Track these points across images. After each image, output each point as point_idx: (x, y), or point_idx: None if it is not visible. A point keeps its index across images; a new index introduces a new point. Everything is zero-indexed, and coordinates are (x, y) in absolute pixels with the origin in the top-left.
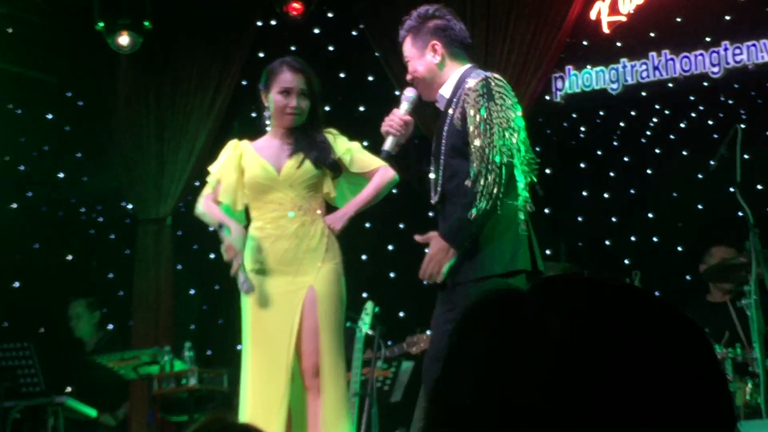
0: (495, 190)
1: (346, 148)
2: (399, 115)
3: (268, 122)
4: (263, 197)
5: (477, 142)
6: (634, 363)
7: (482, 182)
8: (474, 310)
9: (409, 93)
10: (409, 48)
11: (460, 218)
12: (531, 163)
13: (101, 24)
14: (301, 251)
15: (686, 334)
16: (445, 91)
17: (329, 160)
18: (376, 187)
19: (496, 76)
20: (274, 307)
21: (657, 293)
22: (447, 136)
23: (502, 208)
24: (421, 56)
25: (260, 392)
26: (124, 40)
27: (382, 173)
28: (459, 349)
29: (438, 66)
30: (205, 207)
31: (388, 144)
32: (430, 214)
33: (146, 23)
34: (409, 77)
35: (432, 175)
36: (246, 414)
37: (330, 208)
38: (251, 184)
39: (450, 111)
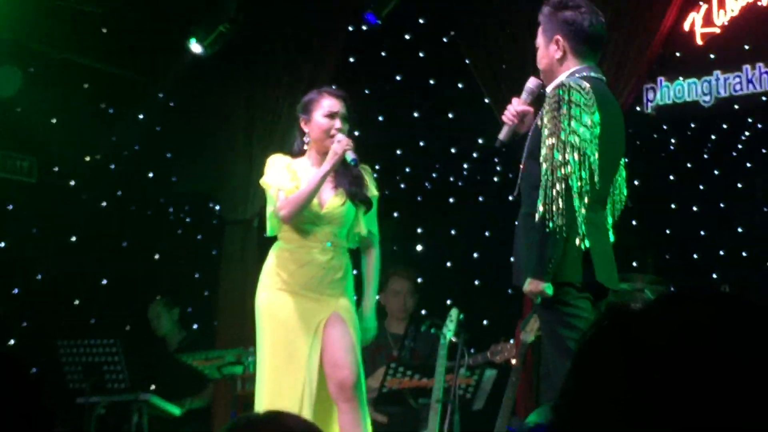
0: (559, 212)
1: (372, 194)
2: (515, 105)
3: (306, 147)
4: (300, 225)
5: (543, 153)
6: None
7: (548, 202)
8: (596, 335)
9: (531, 83)
10: (539, 36)
11: (533, 247)
12: (605, 175)
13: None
14: (325, 282)
15: None
16: (551, 88)
17: (366, 198)
18: (375, 277)
19: (576, 83)
20: (296, 324)
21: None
22: (530, 137)
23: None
24: (545, 47)
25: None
26: (195, 47)
27: (374, 255)
28: (587, 368)
29: (558, 61)
30: (288, 200)
31: (502, 133)
32: (516, 222)
33: (222, 28)
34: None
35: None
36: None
37: None
38: None
39: (540, 111)
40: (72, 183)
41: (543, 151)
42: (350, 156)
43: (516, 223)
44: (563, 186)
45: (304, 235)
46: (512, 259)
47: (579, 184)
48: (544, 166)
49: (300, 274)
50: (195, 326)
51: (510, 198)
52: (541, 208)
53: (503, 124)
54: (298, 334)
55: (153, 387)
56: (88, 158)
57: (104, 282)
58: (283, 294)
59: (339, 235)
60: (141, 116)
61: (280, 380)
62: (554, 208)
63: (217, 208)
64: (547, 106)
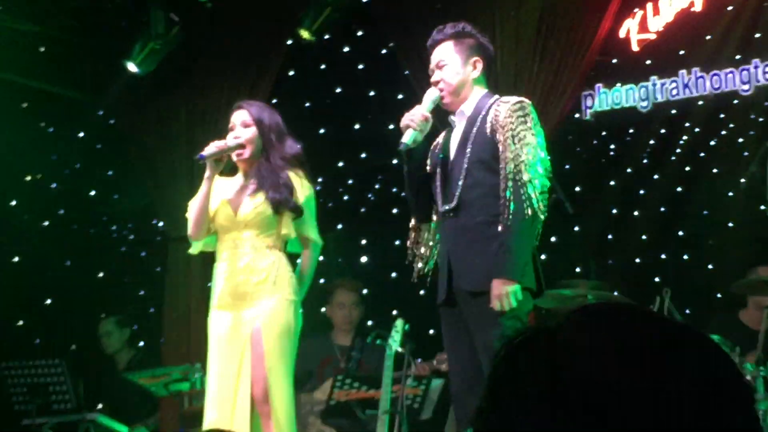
0: (532, 210)
1: (305, 197)
2: (421, 111)
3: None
4: (222, 234)
5: (511, 161)
6: (679, 403)
7: (520, 201)
8: (510, 353)
9: (434, 93)
10: (450, 53)
11: (507, 251)
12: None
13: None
14: (250, 285)
15: (724, 369)
16: (467, 107)
17: (290, 204)
18: (306, 276)
19: (528, 101)
20: (226, 341)
21: (687, 311)
22: (473, 149)
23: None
24: (461, 65)
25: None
26: (131, 66)
27: (307, 256)
28: (498, 397)
29: (473, 81)
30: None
31: (407, 137)
32: (455, 230)
33: (154, 44)
34: (435, 80)
35: (438, 185)
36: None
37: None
38: (213, 221)
39: (477, 125)
40: (13, 203)
41: (521, 156)
42: (232, 142)
43: (450, 230)
44: (540, 192)
45: (227, 245)
46: (457, 266)
47: (545, 193)
48: (526, 176)
49: (226, 285)
50: (142, 344)
51: (447, 207)
52: (523, 212)
53: (406, 128)
54: (226, 350)
55: (101, 406)
56: (28, 178)
57: (48, 302)
58: (217, 311)
59: (258, 237)
60: (81, 134)
61: (216, 397)
62: (540, 208)
63: (161, 224)
64: (511, 119)
